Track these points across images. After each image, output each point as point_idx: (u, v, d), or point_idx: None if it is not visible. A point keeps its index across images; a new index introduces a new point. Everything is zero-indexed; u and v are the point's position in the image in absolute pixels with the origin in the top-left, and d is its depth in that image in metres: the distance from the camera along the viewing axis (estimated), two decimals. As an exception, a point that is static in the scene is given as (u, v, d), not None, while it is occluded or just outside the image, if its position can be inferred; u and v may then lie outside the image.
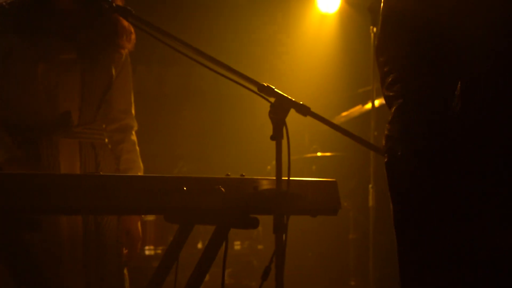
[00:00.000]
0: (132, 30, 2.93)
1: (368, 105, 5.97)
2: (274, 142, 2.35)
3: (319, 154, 6.09)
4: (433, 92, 2.15)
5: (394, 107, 2.22)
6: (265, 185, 2.45)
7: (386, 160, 2.22)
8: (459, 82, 2.08)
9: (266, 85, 2.44)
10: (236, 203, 2.35)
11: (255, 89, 2.46)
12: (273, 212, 2.29)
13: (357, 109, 6.25)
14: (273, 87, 2.45)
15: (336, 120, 6.10)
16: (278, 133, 2.37)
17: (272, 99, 2.42)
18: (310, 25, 7.21)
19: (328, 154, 6.07)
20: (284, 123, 2.38)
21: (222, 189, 2.32)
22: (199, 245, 5.64)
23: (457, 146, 2.09)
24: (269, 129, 2.35)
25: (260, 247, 5.79)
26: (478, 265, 2.07)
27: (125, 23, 2.89)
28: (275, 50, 7.01)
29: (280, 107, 2.39)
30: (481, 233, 2.06)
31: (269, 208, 2.33)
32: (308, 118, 2.54)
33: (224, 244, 2.47)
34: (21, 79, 2.76)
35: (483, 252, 2.06)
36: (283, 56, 7.01)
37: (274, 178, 2.33)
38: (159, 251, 5.47)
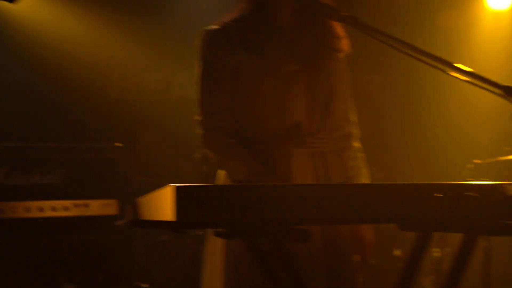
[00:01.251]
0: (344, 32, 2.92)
1: None
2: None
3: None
4: None
5: None
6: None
7: None
8: None
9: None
10: (489, 209, 2.27)
11: (499, 91, 2.40)
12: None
13: None
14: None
15: None
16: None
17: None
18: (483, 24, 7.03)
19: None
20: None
21: (476, 195, 2.24)
22: (397, 252, 5.55)
23: None
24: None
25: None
26: None
27: (338, 26, 2.89)
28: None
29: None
30: None
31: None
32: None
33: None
34: (250, 94, 2.82)
35: None
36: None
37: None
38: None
